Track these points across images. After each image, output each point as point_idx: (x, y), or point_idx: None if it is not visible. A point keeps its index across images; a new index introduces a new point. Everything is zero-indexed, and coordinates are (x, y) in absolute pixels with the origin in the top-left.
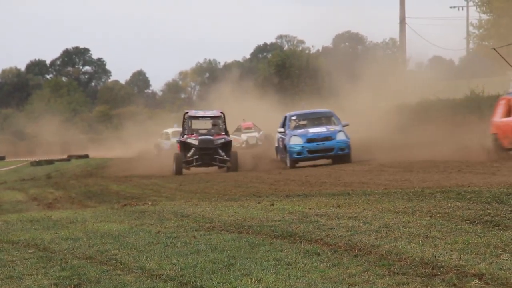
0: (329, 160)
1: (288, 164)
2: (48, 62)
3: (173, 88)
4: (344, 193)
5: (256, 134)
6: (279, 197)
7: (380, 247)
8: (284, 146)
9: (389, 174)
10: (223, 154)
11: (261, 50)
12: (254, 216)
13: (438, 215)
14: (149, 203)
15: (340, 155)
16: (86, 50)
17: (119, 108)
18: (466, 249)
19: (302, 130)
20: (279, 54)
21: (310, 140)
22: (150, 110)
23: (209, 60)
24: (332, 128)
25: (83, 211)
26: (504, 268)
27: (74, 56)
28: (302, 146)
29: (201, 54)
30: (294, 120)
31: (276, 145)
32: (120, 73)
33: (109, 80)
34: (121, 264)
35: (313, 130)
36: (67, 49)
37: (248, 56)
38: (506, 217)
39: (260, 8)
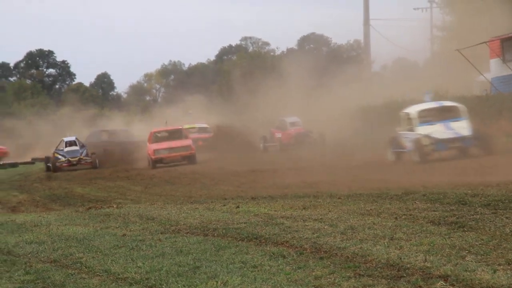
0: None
1: None
2: (12, 64)
3: (138, 90)
4: (310, 195)
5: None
6: (245, 199)
7: (346, 249)
8: None
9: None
10: None
11: (226, 52)
12: (219, 218)
13: (403, 217)
14: (114, 206)
15: None
16: (50, 53)
17: (83, 110)
18: (431, 250)
19: None
20: (243, 56)
21: None
22: (116, 112)
23: (174, 62)
24: None
25: (47, 214)
26: (469, 269)
27: (38, 58)
28: None
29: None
30: None
31: None
32: (84, 75)
33: (73, 83)
34: (86, 268)
35: None
36: (31, 52)
37: (213, 58)
38: (470, 219)
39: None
